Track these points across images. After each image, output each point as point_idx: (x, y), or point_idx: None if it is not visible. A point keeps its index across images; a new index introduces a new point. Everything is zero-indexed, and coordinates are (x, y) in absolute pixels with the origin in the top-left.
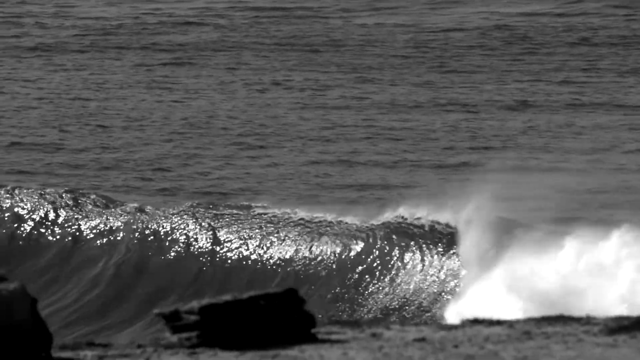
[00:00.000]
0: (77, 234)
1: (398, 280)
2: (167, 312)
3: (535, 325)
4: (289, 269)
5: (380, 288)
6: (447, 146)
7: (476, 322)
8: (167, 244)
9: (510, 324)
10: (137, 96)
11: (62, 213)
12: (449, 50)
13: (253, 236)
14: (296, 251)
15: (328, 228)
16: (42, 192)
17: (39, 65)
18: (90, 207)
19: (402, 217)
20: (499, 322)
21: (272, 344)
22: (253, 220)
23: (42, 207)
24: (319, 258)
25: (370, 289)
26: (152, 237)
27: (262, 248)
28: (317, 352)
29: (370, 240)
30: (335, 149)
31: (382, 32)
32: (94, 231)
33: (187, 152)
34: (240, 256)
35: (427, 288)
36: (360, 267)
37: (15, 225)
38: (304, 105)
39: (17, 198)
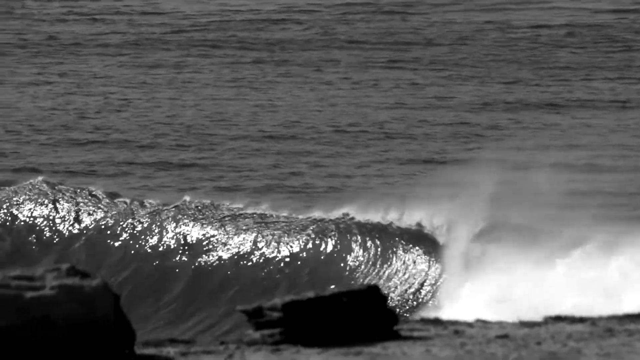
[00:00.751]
0: (136, 232)
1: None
2: (250, 308)
3: (618, 322)
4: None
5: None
6: (539, 144)
7: (559, 319)
8: (229, 242)
9: (592, 321)
10: (225, 95)
11: (120, 213)
12: (538, 48)
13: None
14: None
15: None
16: (98, 191)
17: (128, 64)
18: (143, 207)
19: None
20: (581, 320)
21: (355, 341)
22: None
23: (100, 208)
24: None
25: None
26: (211, 234)
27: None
28: (400, 349)
29: (348, 237)
30: (424, 147)
31: (471, 28)
32: (152, 230)
33: (276, 152)
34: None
35: (404, 291)
36: (335, 267)
37: (79, 223)
38: (394, 103)
39: (79, 198)
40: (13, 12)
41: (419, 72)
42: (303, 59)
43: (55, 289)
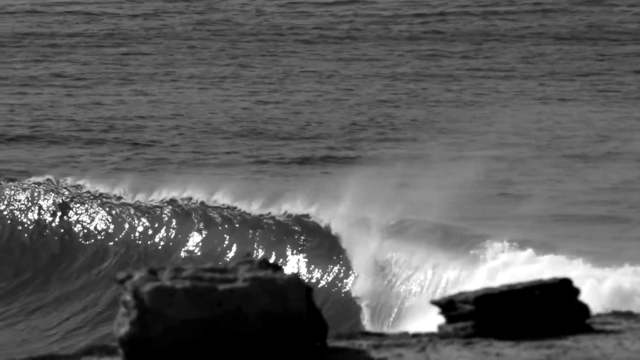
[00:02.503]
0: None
1: None
2: (443, 301)
3: None
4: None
5: None
6: None
7: None
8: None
9: None
10: (425, 88)
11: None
12: None
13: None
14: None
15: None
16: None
17: (324, 57)
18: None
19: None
20: None
21: (546, 334)
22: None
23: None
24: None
25: None
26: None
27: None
28: (592, 343)
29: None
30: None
31: None
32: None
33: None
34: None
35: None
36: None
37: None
38: (603, 101)
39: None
40: (213, 7)
41: (628, 66)
42: (506, 52)
43: (247, 282)
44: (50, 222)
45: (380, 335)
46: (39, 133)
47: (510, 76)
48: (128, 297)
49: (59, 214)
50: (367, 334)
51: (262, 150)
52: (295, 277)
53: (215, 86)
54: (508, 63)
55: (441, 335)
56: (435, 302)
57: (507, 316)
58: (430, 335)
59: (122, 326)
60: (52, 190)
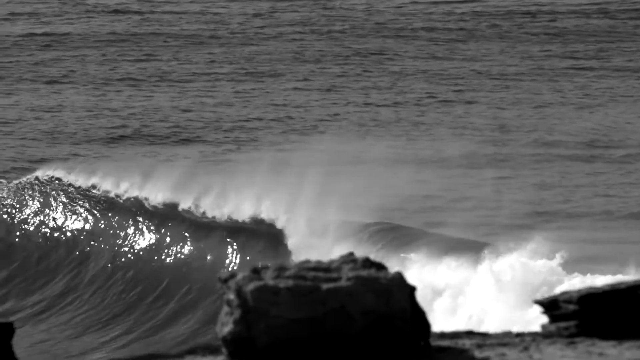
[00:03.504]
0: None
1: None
2: (546, 301)
3: None
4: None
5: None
6: None
7: None
8: None
9: None
10: (540, 90)
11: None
12: None
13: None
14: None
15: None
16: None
17: (440, 54)
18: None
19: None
20: None
21: None
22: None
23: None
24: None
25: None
26: None
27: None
28: None
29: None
30: None
31: None
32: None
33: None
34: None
35: None
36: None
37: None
38: None
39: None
40: (324, 6)
41: None
42: (622, 51)
43: (351, 281)
44: (62, 222)
45: (484, 335)
46: (144, 133)
47: (623, 76)
48: (231, 296)
49: (71, 214)
50: (470, 333)
51: (373, 150)
52: (399, 276)
53: (325, 87)
54: (619, 63)
55: (544, 335)
56: (538, 302)
57: (611, 316)
58: (533, 335)
59: (225, 325)
60: (61, 189)
